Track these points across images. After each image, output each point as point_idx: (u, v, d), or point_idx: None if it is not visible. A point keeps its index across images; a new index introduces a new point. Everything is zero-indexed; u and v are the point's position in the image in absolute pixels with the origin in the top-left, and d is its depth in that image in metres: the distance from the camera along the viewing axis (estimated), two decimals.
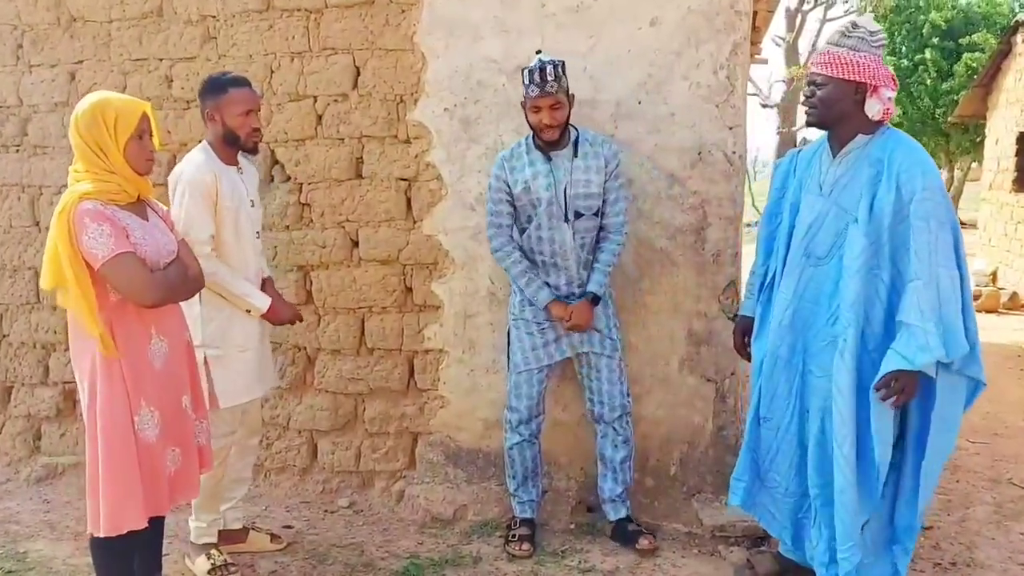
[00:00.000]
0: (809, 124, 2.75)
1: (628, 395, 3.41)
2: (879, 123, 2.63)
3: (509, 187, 3.27)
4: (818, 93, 2.63)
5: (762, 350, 2.92)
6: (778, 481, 2.92)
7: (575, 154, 3.24)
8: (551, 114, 3.14)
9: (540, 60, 3.13)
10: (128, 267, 2.40)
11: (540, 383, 3.38)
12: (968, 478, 4.18)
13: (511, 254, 3.31)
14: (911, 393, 2.54)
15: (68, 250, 2.38)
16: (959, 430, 2.70)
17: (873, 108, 2.57)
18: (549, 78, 3.10)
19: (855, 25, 2.60)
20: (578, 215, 3.23)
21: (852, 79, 2.56)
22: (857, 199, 2.59)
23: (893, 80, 2.59)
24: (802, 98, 2.74)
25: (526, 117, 3.22)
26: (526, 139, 3.31)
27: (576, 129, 3.28)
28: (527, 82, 3.13)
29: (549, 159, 3.23)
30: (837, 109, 2.61)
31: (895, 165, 2.53)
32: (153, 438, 2.53)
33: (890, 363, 2.51)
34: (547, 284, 3.28)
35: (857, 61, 2.55)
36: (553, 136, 3.18)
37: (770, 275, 2.94)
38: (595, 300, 3.26)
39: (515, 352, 3.38)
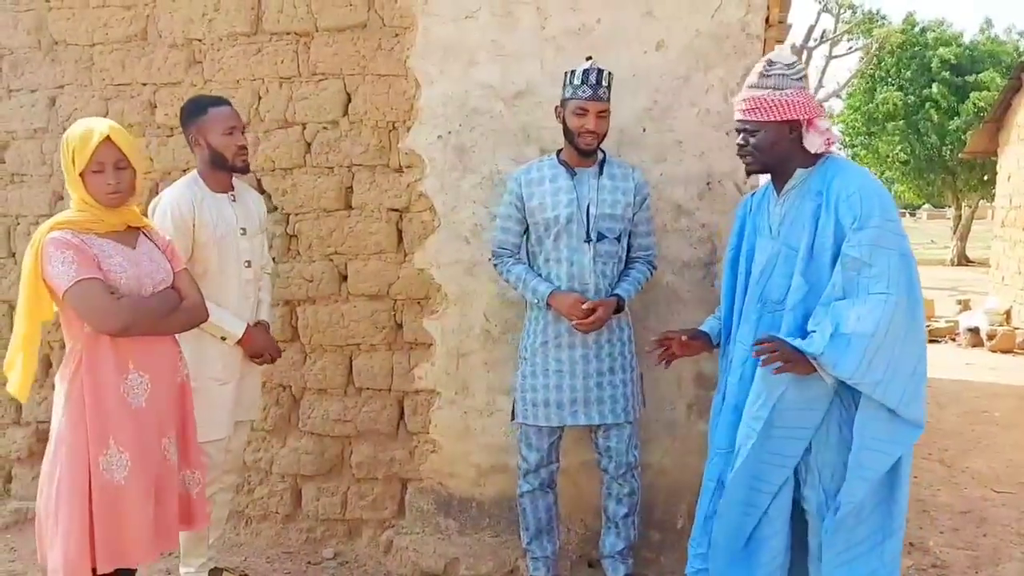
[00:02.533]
0: (749, 172, 2.65)
1: (637, 448, 3.16)
2: (819, 154, 2.48)
3: (523, 203, 3.05)
4: (752, 141, 2.48)
5: (718, 405, 2.73)
6: None
7: (600, 173, 3.03)
8: (596, 121, 2.92)
9: (593, 64, 2.94)
10: (89, 293, 2.28)
11: (551, 435, 3.11)
12: (996, 532, 3.92)
13: (507, 261, 3.11)
14: (786, 360, 2.31)
15: (31, 279, 2.31)
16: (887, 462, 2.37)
17: (815, 142, 2.43)
18: (604, 83, 2.92)
19: (771, 62, 2.45)
20: (600, 237, 2.99)
21: (784, 119, 2.42)
22: (800, 234, 2.43)
23: (820, 108, 2.47)
24: (737, 148, 2.58)
25: (563, 121, 2.98)
26: (550, 156, 3.10)
27: (603, 151, 3.07)
28: (577, 82, 2.91)
29: (573, 175, 3.02)
30: (776, 152, 2.46)
31: (834, 194, 2.36)
32: (121, 480, 2.34)
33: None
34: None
35: (784, 100, 2.41)
36: (591, 145, 2.96)
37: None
38: (619, 307, 2.99)
39: (524, 401, 3.10)
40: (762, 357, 2.36)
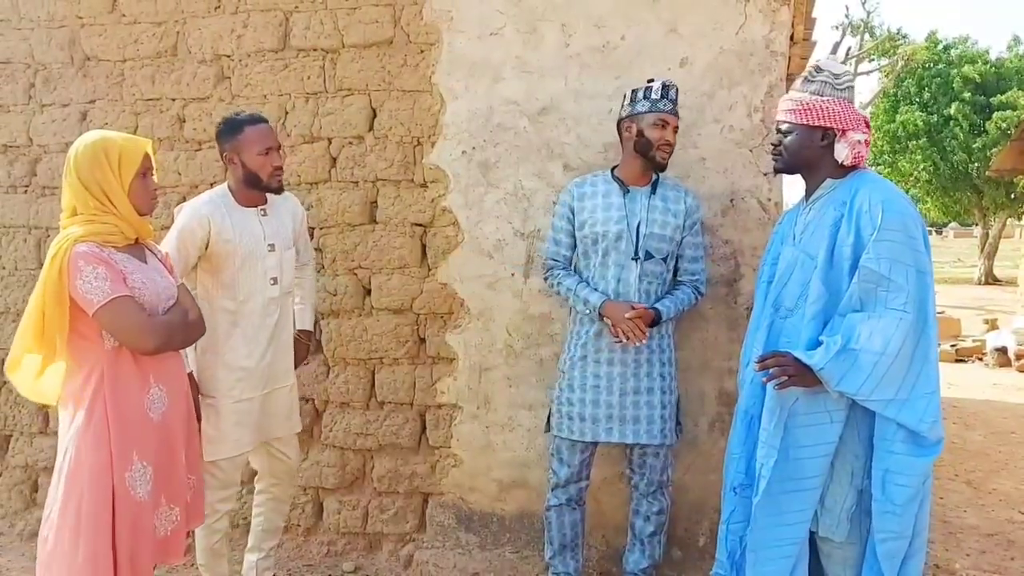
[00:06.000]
0: (776, 171, 2.64)
1: (671, 468, 3.14)
2: (851, 167, 2.48)
3: (573, 216, 3.07)
4: (784, 141, 2.52)
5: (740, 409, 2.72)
6: None
7: (653, 193, 3.04)
8: (673, 135, 2.98)
9: (664, 81, 2.98)
10: (125, 311, 2.26)
11: (584, 451, 3.10)
12: None
13: (558, 273, 3.12)
14: (792, 375, 2.33)
15: (53, 295, 2.23)
16: (919, 489, 2.33)
17: (842, 152, 2.44)
18: (677, 101, 2.99)
19: (819, 68, 2.47)
20: (648, 256, 2.98)
21: (818, 125, 2.44)
22: (819, 244, 2.43)
23: (865, 123, 2.45)
24: (769, 146, 2.60)
25: (637, 135, 2.96)
26: (604, 172, 3.12)
27: (657, 173, 3.08)
28: (656, 96, 2.95)
29: (626, 192, 3.03)
30: (803, 156, 2.50)
31: (856, 205, 2.36)
32: (144, 496, 2.34)
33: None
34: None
35: (822, 106, 2.43)
36: (667, 158, 2.98)
37: None
38: (655, 320, 2.95)
39: (559, 414, 3.09)
40: (767, 372, 2.36)
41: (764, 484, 2.43)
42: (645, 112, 2.96)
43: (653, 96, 2.95)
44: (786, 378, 2.34)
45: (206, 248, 2.86)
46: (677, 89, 2.99)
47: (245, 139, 2.88)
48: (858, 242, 2.33)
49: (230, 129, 2.92)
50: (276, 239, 2.99)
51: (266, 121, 2.98)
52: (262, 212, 2.99)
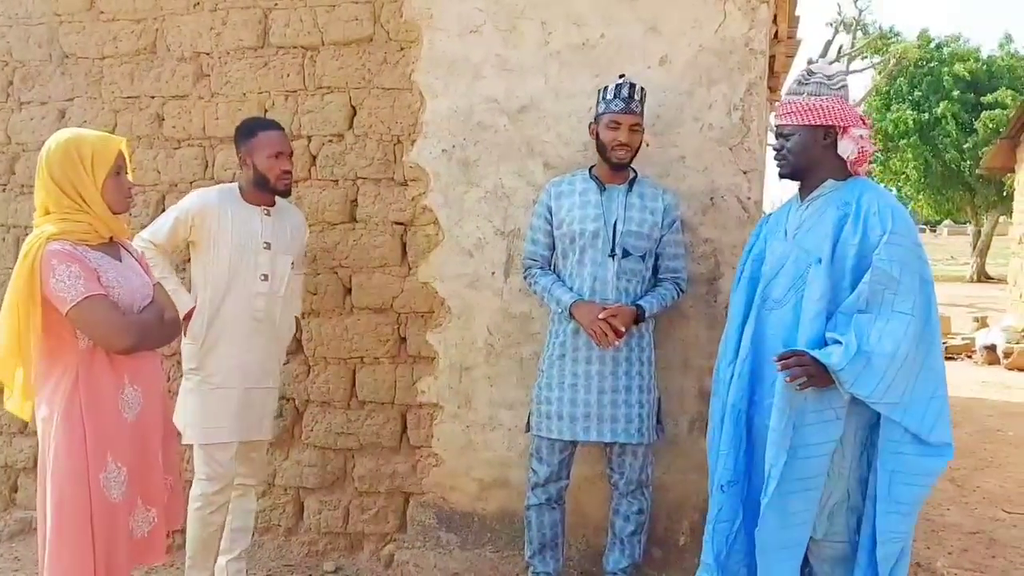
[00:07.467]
0: (782, 176, 2.63)
1: (651, 467, 3.14)
2: (850, 172, 2.50)
3: (551, 215, 3.08)
4: (787, 144, 2.52)
5: (719, 406, 2.69)
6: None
7: (630, 190, 3.04)
8: (629, 135, 2.97)
9: (626, 79, 2.99)
10: (99, 310, 2.24)
11: (563, 451, 3.09)
12: (1006, 553, 3.86)
13: (535, 272, 3.14)
14: (811, 375, 2.31)
15: (25, 294, 2.22)
16: (923, 490, 2.37)
17: (847, 149, 2.46)
18: (636, 97, 2.97)
19: (811, 72, 2.50)
20: (626, 253, 2.99)
21: (819, 124, 2.45)
22: (821, 241, 2.43)
23: (862, 120, 2.48)
24: (772, 152, 2.62)
25: (596, 137, 3.02)
26: (583, 171, 3.12)
27: (635, 171, 3.08)
28: (610, 97, 2.97)
29: (603, 190, 3.03)
30: (807, 156, 2.50)
31: (864, 207, 2.39)
32: (119, 498, 2.32)
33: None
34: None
35: (821, 105, 2.45)
36: (624, 159, 2.98)
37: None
38: (638, 317, 2.96)
39: (538, 414, 3.09)
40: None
41: (774, 485, 2.40)
42: (601, 114, 2.99)
43: (607, 97, 2.98)
44: (806, 378, 2.32)
45: (200, 229, 2.99)
46: (633, 86, 2.98)
47: (257, 142, 3.04)
48: (864, 242, 2.35)
49: (245, 132, 3.09)
50: (273, 240, 3.09)
51: (280, 128, 3.14)
52: (265, 212, 3.11)
